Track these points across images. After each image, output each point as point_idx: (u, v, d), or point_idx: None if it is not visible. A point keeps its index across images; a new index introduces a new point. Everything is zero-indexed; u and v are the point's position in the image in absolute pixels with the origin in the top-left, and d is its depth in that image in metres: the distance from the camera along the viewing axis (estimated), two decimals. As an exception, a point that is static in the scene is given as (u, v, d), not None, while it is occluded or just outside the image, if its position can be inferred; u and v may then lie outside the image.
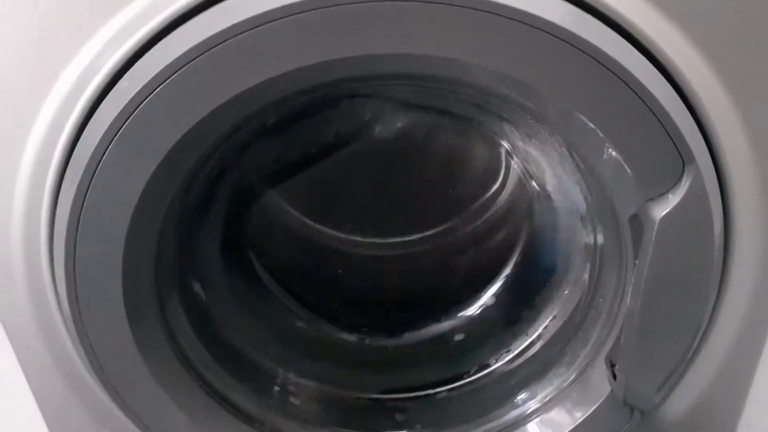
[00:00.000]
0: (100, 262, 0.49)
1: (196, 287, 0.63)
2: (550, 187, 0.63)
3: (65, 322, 0.53)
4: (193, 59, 0.44)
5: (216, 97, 0.46)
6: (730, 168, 0.49)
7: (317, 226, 0.74)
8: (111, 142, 0.46)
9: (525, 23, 0.43)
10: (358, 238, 0.74)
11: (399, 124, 0.65)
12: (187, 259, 0.61)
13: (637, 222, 0.50)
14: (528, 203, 0.69)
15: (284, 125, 0.57)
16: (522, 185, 0.68)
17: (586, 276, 0.62)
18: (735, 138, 0.49)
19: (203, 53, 0.44)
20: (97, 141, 0.47)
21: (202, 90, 0.45)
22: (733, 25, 0.46)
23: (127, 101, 0.46)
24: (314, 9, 0.43)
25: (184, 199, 0.54)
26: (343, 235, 0.74)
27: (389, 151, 0.68)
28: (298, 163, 0.65)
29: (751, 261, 0.52)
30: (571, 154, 0.55)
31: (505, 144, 0.66)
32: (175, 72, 0.45)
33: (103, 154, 0.47)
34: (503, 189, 0.71)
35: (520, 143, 0.62)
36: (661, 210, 0.48)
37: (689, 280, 0.51)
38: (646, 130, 0.46)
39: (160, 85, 0.45)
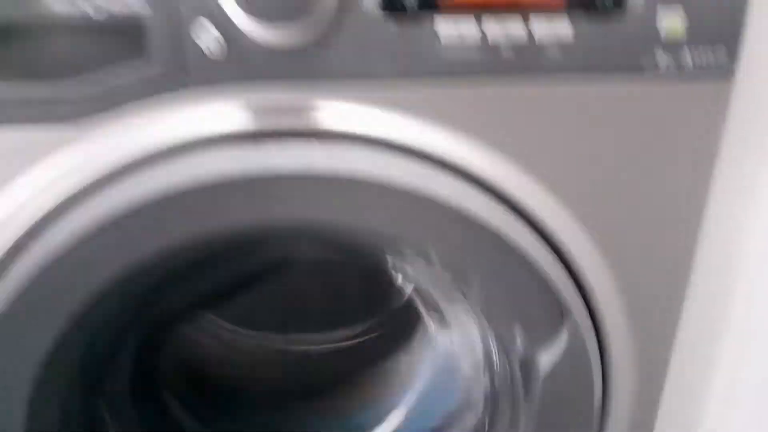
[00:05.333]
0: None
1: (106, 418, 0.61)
2: (450, 323, 0.67)
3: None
4: (100, 235, 0.45)
5: (119, 262, 0.47)
6: (605, 322, 0.55)
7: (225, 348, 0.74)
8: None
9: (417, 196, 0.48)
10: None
11: (313, 257, 0.68)
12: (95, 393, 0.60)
13: (526, 367, 0.54)
14: (428, 336, 0.72)
15: (196, 269, 0.58)
16: (424, 320, 0.72)
17: (482, 410, 0.65)
18: (608, 294, 0.55)
19: (107, 227, 0.45)
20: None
21: (105, 258, 0.46)
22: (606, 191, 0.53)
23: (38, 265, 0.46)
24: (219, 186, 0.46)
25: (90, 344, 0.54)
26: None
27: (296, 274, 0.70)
28: (208, 299, 0.66)
29: (626, 405, 0.58)
30: (470, 306, 0.59)
31: (410, 282, 0.70)
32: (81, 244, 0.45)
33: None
34: (405, 318, 0.74)
35: (425, 284, 0.66)
36: (547, 357, 0.53)
37: (573, 420, 0.55)
38: (529, 287, 0.51)
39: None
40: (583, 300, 0.54)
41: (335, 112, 0.48)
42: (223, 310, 0.73)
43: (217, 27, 0.44)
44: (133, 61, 0.44)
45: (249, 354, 0.76)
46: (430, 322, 0.71)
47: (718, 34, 0.48)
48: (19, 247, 0.48)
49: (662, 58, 0.48)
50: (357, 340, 0.76)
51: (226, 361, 0.75)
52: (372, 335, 0.76)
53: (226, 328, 0.74)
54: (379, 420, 0.74)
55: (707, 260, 0.57)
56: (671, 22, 0.47)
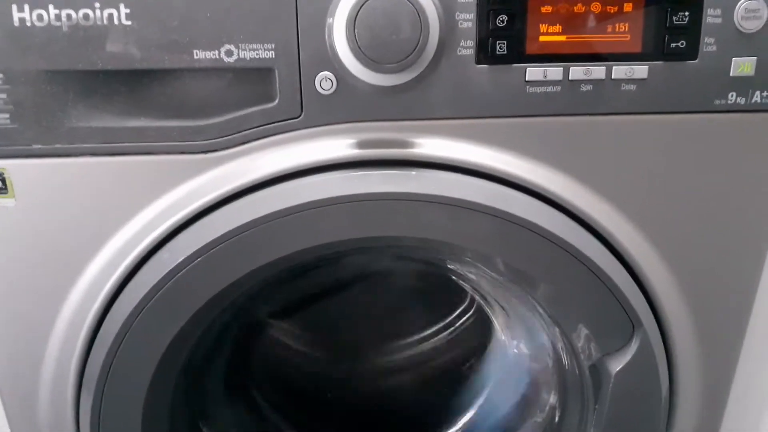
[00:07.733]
0: (122, 412, 0.56)
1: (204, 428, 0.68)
2: (521, 334, 0.72)
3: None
4: (226, 240, 0.53)
5: (245, 266, 0.54)
6: (673, 332, 0.60)
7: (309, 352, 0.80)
8: (149, 303, 0.54)
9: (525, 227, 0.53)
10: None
11: (394, 270, 0.74)
12: (195, 399, 0.67)
13: (596, 372, 0.59)
14: (497, 339, 0.77)
15: (292, 277, 0.65)
16: (497, 332, 0.77)
17: (551, 410, 0.70)
18: (676, 307, 0.60)
19: (235, 236, 0.52)
20: (137, 301, 0.54)
21: (231, 263, 0.53)
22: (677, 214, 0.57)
23: (168, 269, 0.53)
24: (331, 205, 0.52)
25: (196, 346, 0.61)
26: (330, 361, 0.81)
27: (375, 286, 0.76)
28: (298, 305, 0.73)
29: (692, 410, 0.62)
30: (540, 313, 0.64)
31: (484, 295, 0.75)
32: (210, 250, 0.53)
33: (141, 311, 0.54)
34: (480, 334, 0.80)
35: (499, 298, 0.72)
36: (616, 364, 0.57)
37: (641, 424, 0.60)
38: (602, 299, 0.56)
39: (197, 258, 0.53)
40: (652, 313, 0.59)
41: (430, 144, 0.54)
42: (307, 322, 0.80)
43: (333, 72, 0.51)
44: (261, 105, 0.52)
45: (330, 363, 0.82)
46: (496, 322, 0.76)
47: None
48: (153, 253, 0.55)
49: (733, 98, 0.52)
50: (429, 346, 0.82)
51: (309, 369, 0.81)
52: (444, 341, 0.82)
53: (308, 338, 0.81)
54: (451, 422, 0.80)
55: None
56: (743, 68, 0.51)
